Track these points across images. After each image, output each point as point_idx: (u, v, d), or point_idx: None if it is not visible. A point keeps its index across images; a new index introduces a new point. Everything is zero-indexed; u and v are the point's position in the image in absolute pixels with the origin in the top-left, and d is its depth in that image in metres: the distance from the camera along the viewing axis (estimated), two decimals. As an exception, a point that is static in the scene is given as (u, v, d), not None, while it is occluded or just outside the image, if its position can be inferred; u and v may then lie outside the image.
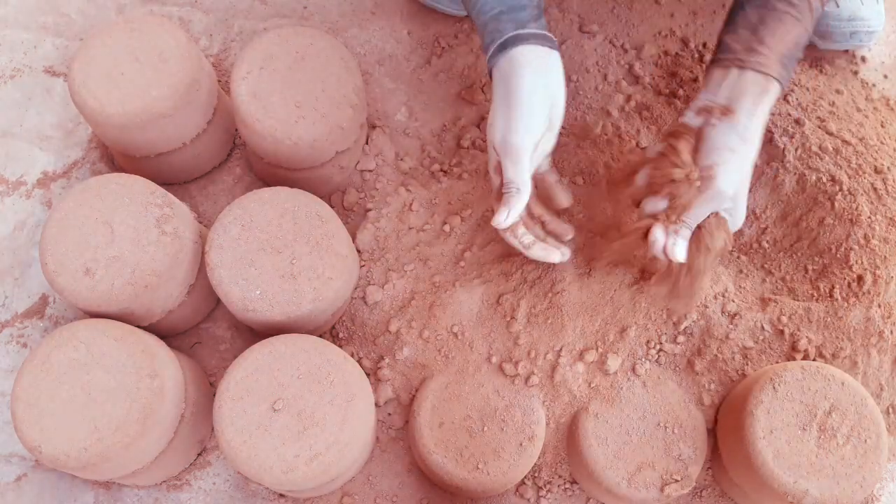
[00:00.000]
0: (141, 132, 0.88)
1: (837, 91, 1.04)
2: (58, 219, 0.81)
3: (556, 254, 0.84)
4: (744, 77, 0.77)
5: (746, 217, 0.86)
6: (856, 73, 1.08)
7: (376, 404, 0.87)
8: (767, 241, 0.95)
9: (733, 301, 0.89)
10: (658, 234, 0.79)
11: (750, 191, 0.82)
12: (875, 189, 0.92)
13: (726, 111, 0.78)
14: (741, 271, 0.94)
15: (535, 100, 0.77)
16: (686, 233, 0.79)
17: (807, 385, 0.81)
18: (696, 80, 1.04)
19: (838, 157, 0.95)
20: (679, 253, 0.78)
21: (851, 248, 0.90)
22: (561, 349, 0.87)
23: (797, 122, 0.97)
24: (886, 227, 0.91)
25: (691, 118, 0.80)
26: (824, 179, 0.93)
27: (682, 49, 1.07)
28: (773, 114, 0.96)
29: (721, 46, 0.81)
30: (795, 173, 0.95)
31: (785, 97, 1.00)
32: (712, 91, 0.79)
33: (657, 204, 0.80)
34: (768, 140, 0.96)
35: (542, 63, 0.78)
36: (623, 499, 0.83)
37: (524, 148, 0.78)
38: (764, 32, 0.78)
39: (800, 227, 0.94)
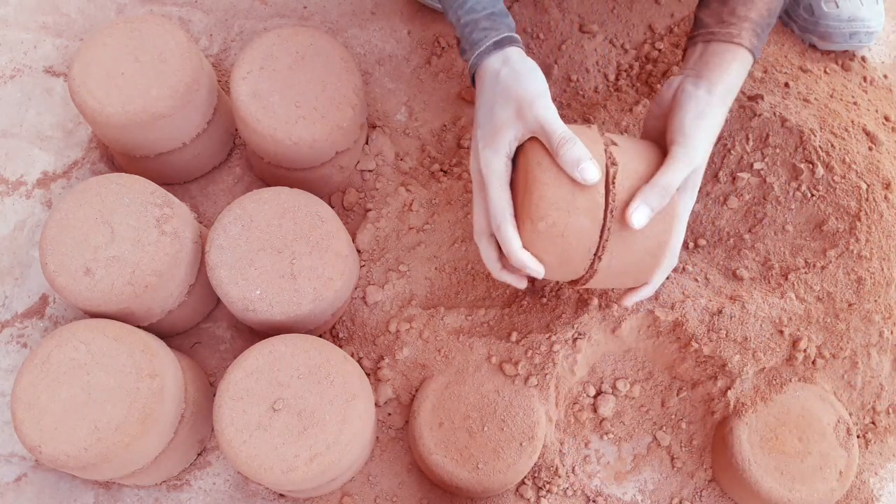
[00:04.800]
0: (141, 132, 0.88)
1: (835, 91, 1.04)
2: (58, 219, 0.81)
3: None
4: (711, 49, 0.76)
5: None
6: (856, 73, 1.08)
7: (376, 404, 0.87)
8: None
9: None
10: None
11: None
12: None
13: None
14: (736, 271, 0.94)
15: (540, 76, 0.74)
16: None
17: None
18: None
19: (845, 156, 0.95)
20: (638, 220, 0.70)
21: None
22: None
23: (812, 131, 0.97)
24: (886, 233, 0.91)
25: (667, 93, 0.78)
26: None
27: (682, 49, 1.07)
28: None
29: (695, 23, 0.80)
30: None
31: (785, 96, 1.00)
32: (686, 66, 0.78)
33: None
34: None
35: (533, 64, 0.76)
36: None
37: (551, 108, 0.72)
38: (734, 3, 0.77)
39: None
